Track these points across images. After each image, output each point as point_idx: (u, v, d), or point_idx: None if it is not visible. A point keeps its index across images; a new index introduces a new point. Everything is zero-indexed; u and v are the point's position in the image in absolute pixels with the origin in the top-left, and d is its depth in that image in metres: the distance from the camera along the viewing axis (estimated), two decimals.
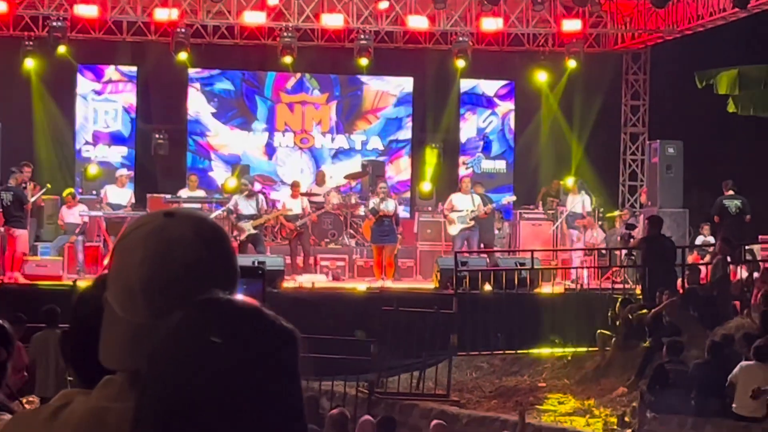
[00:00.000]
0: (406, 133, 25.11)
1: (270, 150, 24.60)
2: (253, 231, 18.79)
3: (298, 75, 24.62)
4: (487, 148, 25.38)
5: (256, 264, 16.61)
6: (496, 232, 21.73)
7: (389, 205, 19.26)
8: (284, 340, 1.65)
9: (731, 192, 19.20)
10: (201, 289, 1.75)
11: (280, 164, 24.54)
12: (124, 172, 21.56)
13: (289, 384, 1.63)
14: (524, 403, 14.81)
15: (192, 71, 24.11)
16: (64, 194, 20.06)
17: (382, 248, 19.17)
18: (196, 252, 1.80)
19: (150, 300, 1.79)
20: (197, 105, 24.49)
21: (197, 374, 1.58)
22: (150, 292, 1.79)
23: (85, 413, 1.81)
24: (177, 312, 1.65)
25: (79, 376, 2.07)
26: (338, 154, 24.77)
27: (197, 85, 24.42)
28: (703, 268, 17.26)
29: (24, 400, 11.52)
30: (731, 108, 17.49)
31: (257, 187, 21.96)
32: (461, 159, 25.15)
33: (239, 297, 1.74)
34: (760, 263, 17.13)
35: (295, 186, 20.62)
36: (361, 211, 20.85)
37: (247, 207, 18.99)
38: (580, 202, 21.29)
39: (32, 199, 19.13)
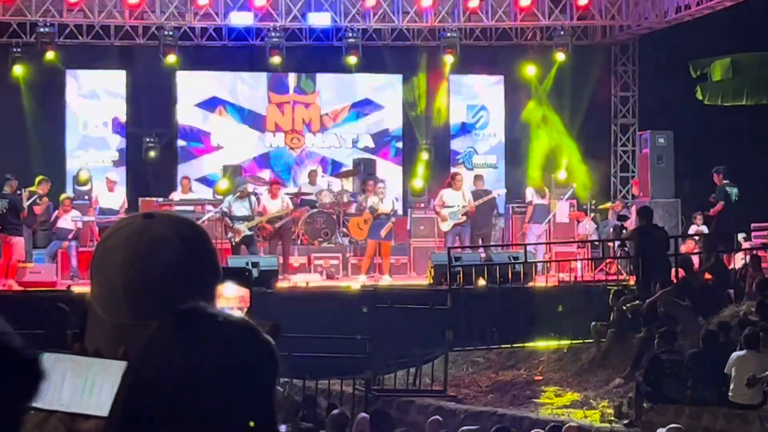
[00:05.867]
0: (396, 130, 25.09)
1: (261, 150, 24.57)
2: (248, 232, 18.73)
3: (296, 75, 24.59)
4: (477, 143, 25.38)
5: (249, 264, 16.65)
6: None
7: (386, 204, 19.51)
8: (265, 354, 1.66)
9: (727, 180, 19.07)
10: (183, 289, 1.75)
11: (276, 164, 24.52)
12: (112, 176, 21.53)
13: (263, 397, 1.64)
14: (521, 396, 14.84)
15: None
16: (61, 199, 19.90)
17: (379, 244, 19.29)
18: (177, 252, 1.80)
19: (132, 300, 1.79)
20: (187, 108, 24.45)
21: (173, 383, 1.58)
22: (131, 292, 1.79)
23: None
24: (156, 319, 1.65)
25: None
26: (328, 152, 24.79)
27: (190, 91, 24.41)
28: (695, 258, 17.27)
29: None
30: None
31: (250, 188, 21.84)
32: (452, 155, 25.15)
33: (224, 309, 1.74)
34: (753, 251, 17.14)
35: (274, 184, 20.23)
36: (353, 209, 20.82)
37: (240, 208, 18.91)
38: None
39: (26, 205, 19.05)
